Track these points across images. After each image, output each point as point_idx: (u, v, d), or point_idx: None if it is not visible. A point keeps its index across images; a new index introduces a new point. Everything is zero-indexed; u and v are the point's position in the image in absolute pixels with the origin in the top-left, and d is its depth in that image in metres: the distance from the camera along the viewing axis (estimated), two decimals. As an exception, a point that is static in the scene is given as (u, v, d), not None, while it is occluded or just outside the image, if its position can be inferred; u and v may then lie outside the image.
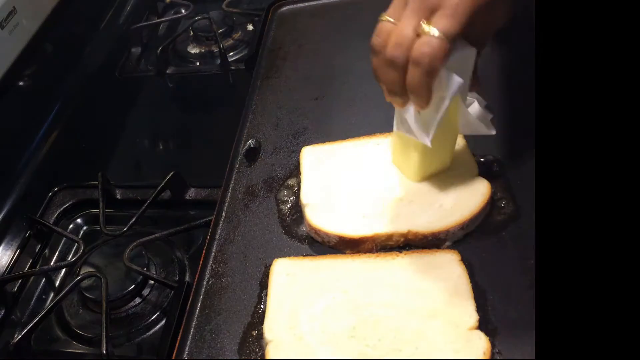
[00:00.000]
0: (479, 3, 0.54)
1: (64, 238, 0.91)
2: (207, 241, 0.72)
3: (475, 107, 0.63)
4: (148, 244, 0.82)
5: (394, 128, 0.65)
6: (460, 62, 0.57)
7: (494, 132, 0.64)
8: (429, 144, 0.60)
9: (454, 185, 0.68)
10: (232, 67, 1.16)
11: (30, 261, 0.89)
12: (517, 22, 0.85)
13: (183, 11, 1.33)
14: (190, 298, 0.66)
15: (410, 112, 0.59)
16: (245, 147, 0.82)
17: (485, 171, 0.70)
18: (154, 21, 1.34)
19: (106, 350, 0.69)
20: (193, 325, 0.64)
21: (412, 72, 0.54)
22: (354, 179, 0.72)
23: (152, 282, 0.80)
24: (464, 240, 0.65)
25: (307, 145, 0.79)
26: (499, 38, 0.85)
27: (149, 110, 1.13)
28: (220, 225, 0.73)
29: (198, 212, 0.88)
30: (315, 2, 1.06)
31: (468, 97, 0.62)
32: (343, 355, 0.56)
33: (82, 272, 0.80)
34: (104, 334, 0.70)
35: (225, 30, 1.22)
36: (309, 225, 0.68)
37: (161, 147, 1.06)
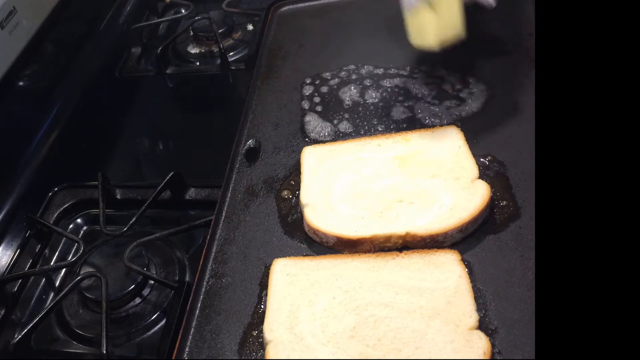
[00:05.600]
0: None
1: (64, 238, 0.91)
2: (207, 241, 0.72)
3: None
4: (148, 244, 0.82)
5: (406, 11, 0.75)
6: None
7: (493, 4, 0.73)
8: None
9: (453, 187, 0.68)
10: (232, 67, 1.16)
11: (30, 261, 0.89)
12: (517, 28, 0.86)
13: (183, 11, 1.33)
14: (190, 298, 0.66)
15: None
16: (245, 147, 0.82)
17: (485, 172, 0.70)
18: (154, 21, 1.33)
19: (106, 350, 0.69)
20: (193, 325, 0.64)
21: None
22: (354, 179, 0.72)
23: (152, 282, 0.80)
24: (464, 240, 0.65)
25: (307, 145, 0.79)
26: (497, 45, 0.86)
27: (149, 110, 1.13)
28: (220, 225, 0.73)
29: (198, 212, 0.88)
30: (315, 2, 1.06)
31: None
32: (343, 355, 0.56)
33: (82, 272, 0.80)
34: (104, 334, 0.70)
35: (225, 30, 1.22)
36: (308, 226, 0.68)
37: (161, 147, 1.05)
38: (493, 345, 0.55)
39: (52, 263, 0.89)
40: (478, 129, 0.76)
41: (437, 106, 0.81)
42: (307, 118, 0.84)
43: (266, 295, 0.64)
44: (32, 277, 0.86)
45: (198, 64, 1.21)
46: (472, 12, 0.91)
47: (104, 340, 0.70)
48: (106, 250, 0.84)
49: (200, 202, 0.90)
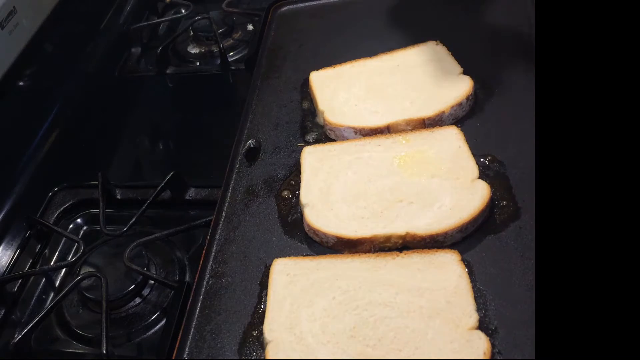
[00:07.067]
0: None
1: (64, 238, 0.91)
2: (207, 241, 0.72)
3: None
4: (148, 244, 0.82)
5: None
6: None
7: None
8: None
9: (454, 187, 0.68)
10: (232, 67, 1.16)
11: (30, 261, 0.89)
12: (517, 28, 0.86)
13: (183, 11, 1.33)
14: (190, 298, 0.66)
15: None
16: (245, 147, 0.82)
17: (485, 172, 0.70)
18: (154, 21, 1.34)
19: (106, 350, 0.69)
20: (193, 325, 0.64)
21: None
22: (354, 179, 0.72)
23: (152, 282, 0.80)
24: (464, 240, 0.65)
25: (307, 145, 0.79)
26: (497, 44, 0.86)
27: (149, 110, 1.13)
28: (220, 225, 0.73)
29: (198, 212, 0.89)
30: (315, 2, 1.06)
31: None
32: (343, 355, 0.56)
33: (82, 272, 0.80)
34: (104, 334, 0.70)
35: (225, 30, 1.22)
36: (308, 226, 0.68)
37: (161, 147, 1.06)
38: (493, 345, 0.55)
39: (52, 263, 0.89)
40: (478, 129, 0.76)
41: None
42: (307, 118, 0.85)
43: (266, 295, 0.64)
44: (32, 277, 0.87)
45: (198, 64, 1.21)
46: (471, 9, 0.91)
47: (104, 340, 0.70)
48: (106, 250, 0.84)
49: (200, 202, 0.90)
